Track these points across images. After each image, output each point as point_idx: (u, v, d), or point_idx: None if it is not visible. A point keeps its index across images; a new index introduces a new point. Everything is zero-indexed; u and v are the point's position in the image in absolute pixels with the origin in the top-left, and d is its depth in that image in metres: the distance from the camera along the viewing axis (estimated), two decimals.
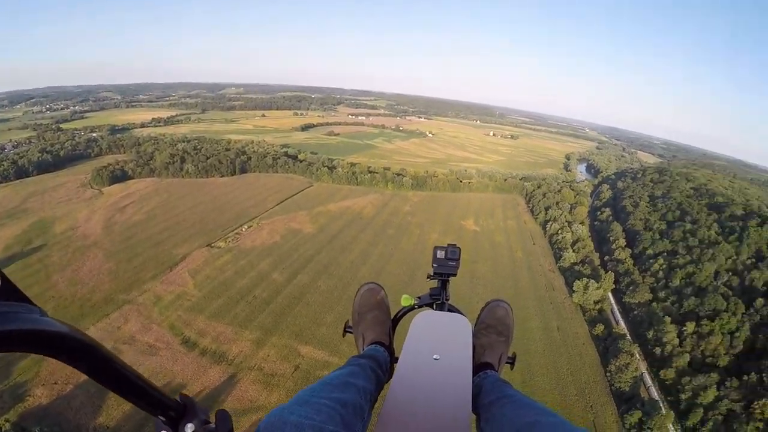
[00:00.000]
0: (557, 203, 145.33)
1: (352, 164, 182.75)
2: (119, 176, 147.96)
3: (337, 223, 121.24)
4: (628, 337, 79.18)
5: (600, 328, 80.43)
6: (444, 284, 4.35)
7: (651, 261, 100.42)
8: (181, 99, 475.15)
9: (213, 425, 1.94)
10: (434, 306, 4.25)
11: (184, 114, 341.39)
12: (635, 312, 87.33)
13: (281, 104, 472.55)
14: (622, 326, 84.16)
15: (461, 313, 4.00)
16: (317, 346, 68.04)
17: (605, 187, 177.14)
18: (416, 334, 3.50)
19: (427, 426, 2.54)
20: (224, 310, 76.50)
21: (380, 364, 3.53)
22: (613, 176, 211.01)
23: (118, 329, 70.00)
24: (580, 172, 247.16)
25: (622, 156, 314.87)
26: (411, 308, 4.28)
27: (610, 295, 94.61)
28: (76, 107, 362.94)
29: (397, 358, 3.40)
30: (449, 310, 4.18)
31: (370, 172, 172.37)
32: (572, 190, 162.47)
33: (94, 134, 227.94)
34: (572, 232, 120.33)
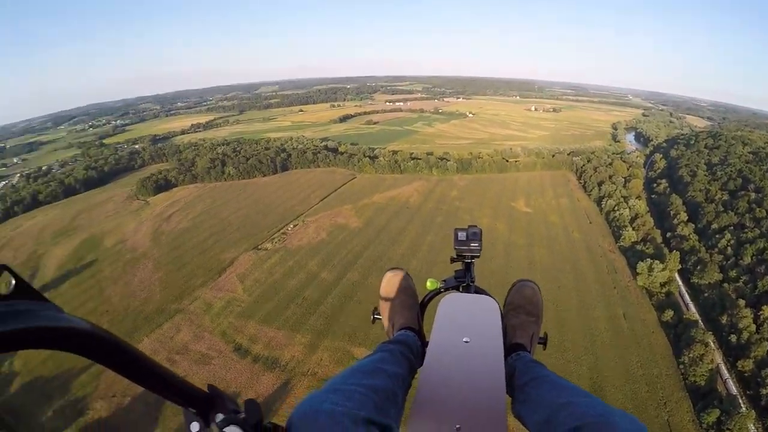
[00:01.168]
0: (610, 177, 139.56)
1: (394, 152, 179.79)
2: (163, 185, 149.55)
3: (383, 215, 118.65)
4: (701, 324, 73.26)
5: (669, 313, 74.78)
6: (468, 266, 4.28)
7: (717, 236, 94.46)
8: (218, 102, 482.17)
9: (242, 414, 1.95)
10: (460, 288, 4.16)
11: (222, 117, 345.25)
12: (705, 294, 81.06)
13: (317, 98, 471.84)
14: (693, 311, 78.38)
15: (488, 295, 3.97)
16: (371, 348, 65.01)
17: (658, 156, 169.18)
18: (444, 317, 3.48)
19: (463, 409, 2.60)
20: (274, 314, 75.20)
21: (411, 348, 3.44)
22: (665, 144, 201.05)
23: (171, 339, 69.91)
24: (629, 141, 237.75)
25: (671, 122, 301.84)
26: (437, 292, 4.21)
27: (677, 276, 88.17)
28: (117, 121, 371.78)
29: (427, 343, 3.36)
30: (476, 292, 4.09)
31: (413, 158, 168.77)
32: (624, 162, 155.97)
33: (137, 146, 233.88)
34: (629, 207, 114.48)
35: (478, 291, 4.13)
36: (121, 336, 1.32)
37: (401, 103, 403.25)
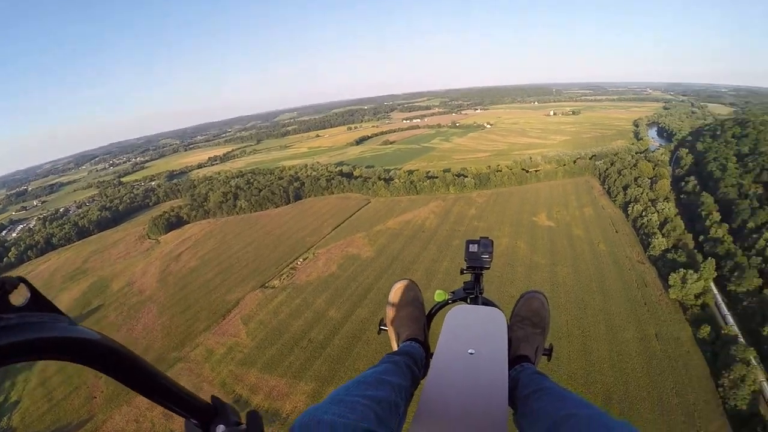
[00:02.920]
0: (635, 180, 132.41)
1: (410, 172, 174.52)
2: (175, 222, 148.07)
3: (397, 242, 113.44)
4: (741, 339, 66.19)
5: (706, 329, 67.87)
6: (477, 278, 4.34)
7: (754, 236, 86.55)
8: (236, 133, 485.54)
9: (244, 426, 2.00)
10: (468, 300, 4.24)
11: (239, 147, 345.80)
12: (744, 303, 73.69)
13: (334, 121, 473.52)
14: (732, 325, 70.90)
15: (496, 306, 4.02)
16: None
17: (684, 151, 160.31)
18: (450, 328, 3.54)
19: (463, 420, 2.65)
20: (277, 359, 70.95)
21: (416, 360, 3.52)
22: (690, 137, 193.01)
23: None
24: (652, 138, 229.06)
25: (693, 112, 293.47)
26: (445, 303, 4.24)
27: (712, 285, 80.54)
28: (137, 159, 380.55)
29: (432, 354, 3.38)
30: (484, 304, 4.15)
31: (429, 177, 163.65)
32: (649, 161, 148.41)
33: (153, 182, 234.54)
34: (657, 212, 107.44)
35: (487, 302, 4.13)
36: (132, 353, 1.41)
37: (418, 120, 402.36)
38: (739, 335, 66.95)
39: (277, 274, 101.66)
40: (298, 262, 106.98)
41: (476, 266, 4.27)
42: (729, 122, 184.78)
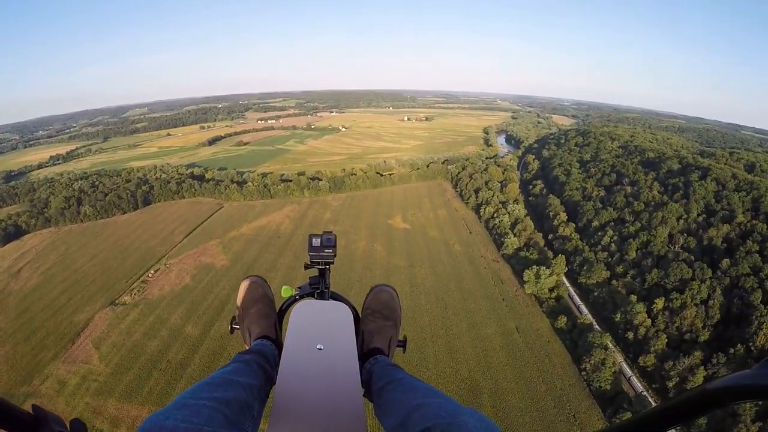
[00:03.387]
0: (486, 183, 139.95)
1: (264, 175, 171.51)
2: (13, 233, 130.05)
3: (252, 249, 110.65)
4: (596, 326, 73.27)
5: (563, 320, 74.14)
6: (323, 272, 4.33)
7: (599, 234, 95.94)
8: (82, 129, 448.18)
9: None
10: (315, 295, 4.25)
11: (85, 145, 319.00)
12: (595, 293, 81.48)
13: (187, 119, 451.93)
14: (586, 314, 78.00)
15: (345, 300, 4.10)
16: None
17: (531, 157, 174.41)
18: (296, 325, 3.57)
19: (319, 416, 2.71)
20: (137, 385, 65.77)
21: (267, 358, 3.48)
22: (536, 145, 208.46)
23: None
24: (501, 145, 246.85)
25: (539, 122, 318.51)
26: (293, 299, 4.25)
27: (564, 279, 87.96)
28: None
29: None
30: (333, 298, 4.19)
31: (283, 181, 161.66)
32: (498, 166, 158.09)
33: None
34: (508, 213, 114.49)
35: (336, 297, 4.17)
36: None
37: (273, 121, 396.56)
38: (594, 323, 74.33)
39: (127, 289, 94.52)
40: (150, 275, 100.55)
41: (320, 261, 4.24)
42: (572, 132, 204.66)
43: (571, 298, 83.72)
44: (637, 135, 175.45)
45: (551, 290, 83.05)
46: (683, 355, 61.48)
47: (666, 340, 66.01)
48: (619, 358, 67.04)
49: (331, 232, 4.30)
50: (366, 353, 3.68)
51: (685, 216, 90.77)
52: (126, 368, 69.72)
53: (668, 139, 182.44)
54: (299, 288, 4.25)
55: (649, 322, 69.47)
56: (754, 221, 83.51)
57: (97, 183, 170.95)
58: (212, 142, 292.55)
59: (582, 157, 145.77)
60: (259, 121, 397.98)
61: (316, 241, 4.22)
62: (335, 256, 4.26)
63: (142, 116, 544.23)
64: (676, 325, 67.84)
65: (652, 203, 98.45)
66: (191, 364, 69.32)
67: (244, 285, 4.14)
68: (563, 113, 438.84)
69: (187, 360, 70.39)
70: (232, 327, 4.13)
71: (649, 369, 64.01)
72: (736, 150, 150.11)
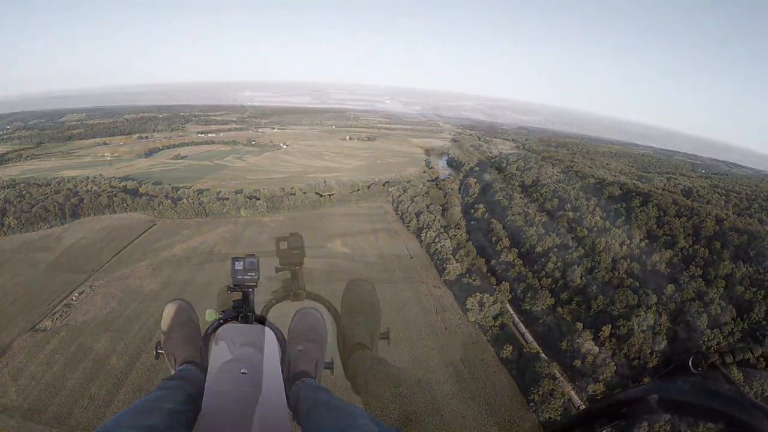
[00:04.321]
0: (428, 206, 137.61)
1: (200, 191, 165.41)
2: None
3: (184, 272, 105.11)
4: (543, 355, 71.93)
5: (508, 348, 72.51)
6: (246, 296, 4.28)
7: (543, 260, 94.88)
8: (15, 132, 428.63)
9: None
10: (239, 319, 4.20)
11: (16, 150, 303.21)
12: (540, 321, 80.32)
13: (125, 128, 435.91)
14: (532, 342, 76.50)
15: (270, 324, 4.12)
16: None
17: (472, 180, 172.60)
18: (219, 350, 3.57)
19: None
20: (57, 423, 60.42)
21: (192, 384, 3.44)
22: (477, 168, 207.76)
23: None
24: (443, 167, 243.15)
25: (480, 146, 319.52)
26: (218, 323, 4.18)
27: (508, 306, 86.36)
28: None
29: None
30: (259, 322, 4.19)
31: (220, 198, 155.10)
32: (440, 189, 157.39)
33: None
34: (450, 238, 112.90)
35: (261, 320, 4.16)
36: None
37: (214, 135, 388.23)
38: (540, 351, 72.71)
39: (49, 313, 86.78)
40: (74, 297, 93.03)
41: (242, 284, 4.16)
42: (513, 156, 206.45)
43: (516, 325, 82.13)
44: (576, 161, 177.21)
45: (495, 318, 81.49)
46: (632, 383, 60.67)
47: (615, 368, 65.82)
48: (568, 387, 66.14)
49: (254, 255, 4.24)
50: (293, 376, 3.65)
51: (628, 242, 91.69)
52: (45, 404, 64.05)
53: (607, 164, 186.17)
54: (223, 312, 4.13)
55: (596, 350, 69.01)
56: (695, 246, 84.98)
57: (24, 193, 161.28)
58: (149, 153, 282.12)
59: (524, 182, 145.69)
60: (199, 134, 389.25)
61: (239, 265, 4.16)
62: (258, 279, 4.19)
63: (79, 122, 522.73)
64: (624, 351, 67.86)
65: (595, 229, 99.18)
66: (116, 400, 64.06)
67: (168, 309, 4.06)
68: (503, 137, 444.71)
69: (111, 396, 65.21)
70: (156, 352, 4.06)
71: (599, 398, 62.10)
72: (673, 176, 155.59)
